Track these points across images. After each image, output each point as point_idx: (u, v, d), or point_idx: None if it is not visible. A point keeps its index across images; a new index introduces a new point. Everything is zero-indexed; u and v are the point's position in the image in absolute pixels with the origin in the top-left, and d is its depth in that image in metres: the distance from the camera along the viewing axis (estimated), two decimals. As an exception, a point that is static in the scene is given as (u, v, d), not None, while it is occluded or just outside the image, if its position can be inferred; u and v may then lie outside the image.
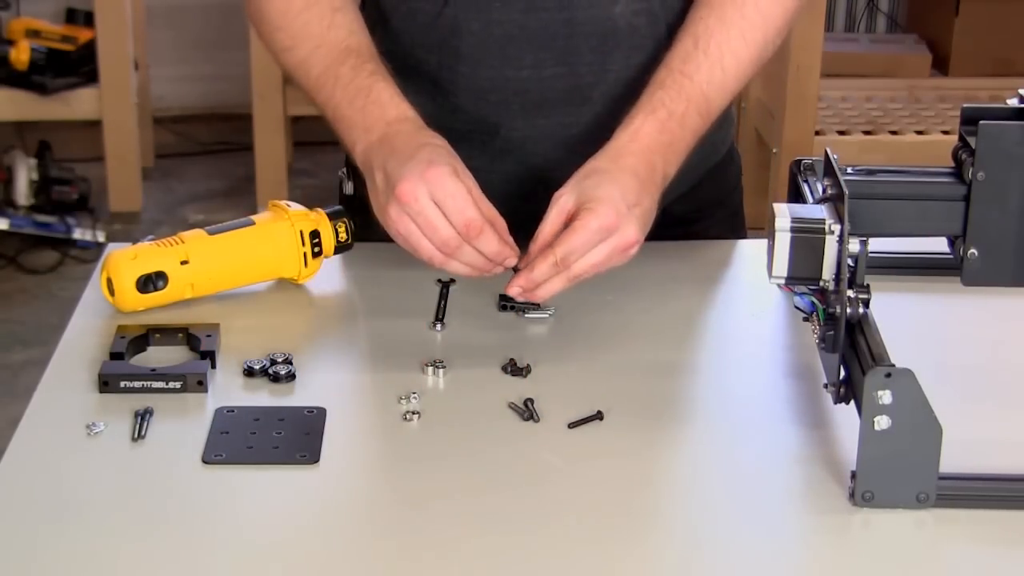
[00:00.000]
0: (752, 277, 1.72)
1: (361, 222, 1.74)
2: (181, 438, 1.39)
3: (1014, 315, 1.66)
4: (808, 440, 1.40)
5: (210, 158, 4.98)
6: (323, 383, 1.49)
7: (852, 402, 1.34)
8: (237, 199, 4.63)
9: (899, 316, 1.49)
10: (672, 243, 1.76)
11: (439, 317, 1.62)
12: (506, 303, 1.64)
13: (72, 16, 4.69)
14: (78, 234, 4.37)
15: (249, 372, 1.49)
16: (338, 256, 1.72)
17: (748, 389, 1.50)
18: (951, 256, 1.47)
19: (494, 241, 1.50)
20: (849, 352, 1.35)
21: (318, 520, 1.29)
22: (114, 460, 1.36)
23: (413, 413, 1.42)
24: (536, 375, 1.50)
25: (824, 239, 1.38)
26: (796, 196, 1.60)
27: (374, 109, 1.60)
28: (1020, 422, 1.46)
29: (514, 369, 1.51)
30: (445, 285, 1.69)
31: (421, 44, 1.73)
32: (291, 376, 1.48)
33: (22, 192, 4.45)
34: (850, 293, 1.35)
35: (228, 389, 1.48)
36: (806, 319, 1.47)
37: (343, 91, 1.62)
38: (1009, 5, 4.79)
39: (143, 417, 1.41)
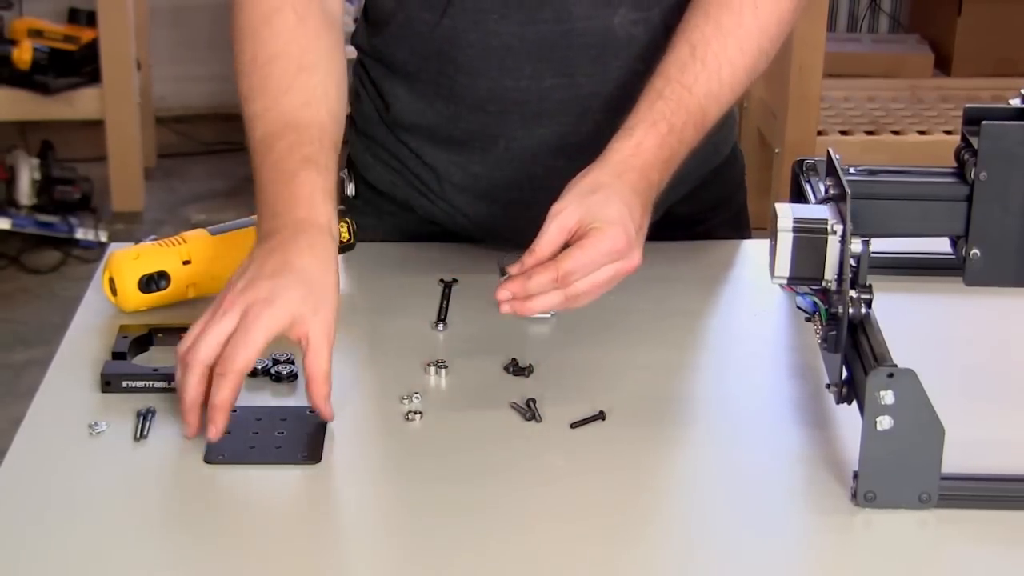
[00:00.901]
0: (754, 277, 1.72)
1: (363, 222, 1.74)
2: (183, 438, 1.39)
3: (1016, 315, 1.66)
4: (810, 440, 1.40)
5: (212, 158, 4.98)
6: (325, 383, 1.49)
7: (854, 402, 1.34)
8: (239, 199, 4.63)
9: (901, 316, 1.49)
10: (675, 243, 1.76)
11: (441, 317, 1.62)
12: (508, 303, 1.64)
13: (74, 16, 4.70)
14: (80, 234, 4.37)
15: (251, 372, 1.49)
16: (341, 256, 1.72)
17: (750, 389, 1.50)
18: (953, 256, 1.46)
19: (224, 393, 1.35)
20: (851, 352, 1.35)
21: (320, 520, 1.29)
22: (116, 460, 1.36)
23: (415, 413, 1.42)
24: (538, 375, 1.50)
25: (826, 239, 1.38)
26: (798, 196, 1.60)
27: (287, 200, 1.47)
28: (1022, 422, 1.46)
29: (516, 369, 1.51)
30: (447, 285, 1.69)
31: (419, 52, 1.72)
32: (293, 376, 1.48)
33: (24, 192, 4.46)
34: (852, 293, 1.35)
35: (230, 389, 1.48)
36: (808, 319, 1.47)
37: (270, 167, 1.50)
38: (1011, 5, 4.79)
39: (145, 417, 1.41)
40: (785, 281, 1.41)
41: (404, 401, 1.44)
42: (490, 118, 1.71)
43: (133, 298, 1.61)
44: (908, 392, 1.26)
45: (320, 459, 1.35)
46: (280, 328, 1.37)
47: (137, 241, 1.67)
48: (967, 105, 1.46)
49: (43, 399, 1.46)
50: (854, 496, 1.30)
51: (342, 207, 1.72)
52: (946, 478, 1.29)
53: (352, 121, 1.85)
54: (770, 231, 1.42)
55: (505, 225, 1.77)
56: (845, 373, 1.36)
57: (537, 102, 1.70)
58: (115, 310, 1.62)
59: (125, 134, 4.55)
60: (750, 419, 1.44)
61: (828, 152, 1.48)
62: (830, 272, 1.38)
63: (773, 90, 4.21)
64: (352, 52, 1.82)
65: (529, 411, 1.43)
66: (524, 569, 1.22)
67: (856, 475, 1.29)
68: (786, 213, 1.41)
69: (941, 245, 1.50)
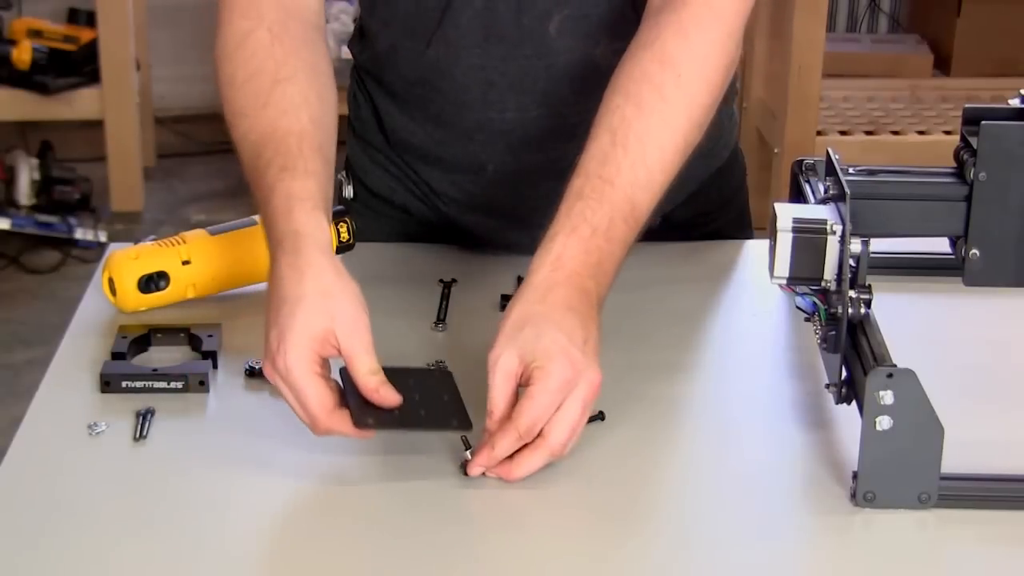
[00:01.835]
0: (753, 277, 1.72)
1: (362, 225, 1.74)
2: (183, 438, 1.39)
3: (1016, 315, 1.66)
4: (809, 440, 1.40)
5: (212, 158, 4.98)
6: (325, 383, 1.49)
7: (854, 402, 1.34)
8: (239, 199, 4.62)
9: (901, 316, 1.49)
10: (675, 244, 1.76)
11: (441, 317, 1.62)
12: (507, 303, 1.63)
13: (74, 16, 4.69)
14: (80, 234, 4.37)
15: (251, 372, 1.49)
16: (340, 256, 1.72)
17: (749, 389, 1.50)
18: (953, 256, 1.46)
19: (351, 431, 1.33)
20: (851, 352, 1.35)
21: (319, 519, 1.29)
22: (116, 460, 1.36)
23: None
24: (537, 375, 1.50)
25: (826, 239, 1.38)
26: (798, 196, 1.60)
27: (269, 219, 1.43)
28: (1022, 422, 1.46)
29: (516, 369, 1.51)
30: (447, 285, 1.69)
31: (406, 78, 1.72)
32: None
33: (24, 192, 4.45)
34: (852, 293, 1.35)
35: (230, 389, 1.48)
36: (808, 319, 1.47)
37: (257, 189, 1.47)
38: (1011, 5, 4.79)
39: (145, 417, 1.41)
40: (784, 281, 1.41)
41: (404, 401, 1.44)
42: (476, 145, 1.71)
43: (132, 298, 1.61)
44: (907, 392, 1.26)
45: (471, 426, 1.33)
46: (311, 356, 1.32)
47: (136, 241, 1.67)
48: (966, 105, 1.46)
49: (42, 399, 1.46)
50: (853, 496, 1.30)
51: (341, 207, 1.72)
52: (945, 478, 1.29)
53: (350, 125, 1.85)
54: (769, 231, 1.42)
55: (501, 235, 1.77)
56: (844, 373, 1.36)
57: (523, 132, 1.69)
58: (114, 310, 1.62)
59: (124, 134, 4.55)
60: (750, 419, 1.44)
61: (827, 152, 1.48)
62: (829, 272, 1.38)
63: (772, 90, 4.21)
64: (348, 54, 1.83)
65: (528, 411, 1.43)
66: (523, 569, 1.22)
67: (855, 475, 1.29)
68: (785, 213, 1.41)
69: (940, 245, 1.51)
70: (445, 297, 1.67)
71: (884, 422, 1.26)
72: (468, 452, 1.33)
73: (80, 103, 4.51)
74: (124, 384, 1.46)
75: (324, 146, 1.50)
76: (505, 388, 1.33)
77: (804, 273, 1.40)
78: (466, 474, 1.32)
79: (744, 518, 1.29)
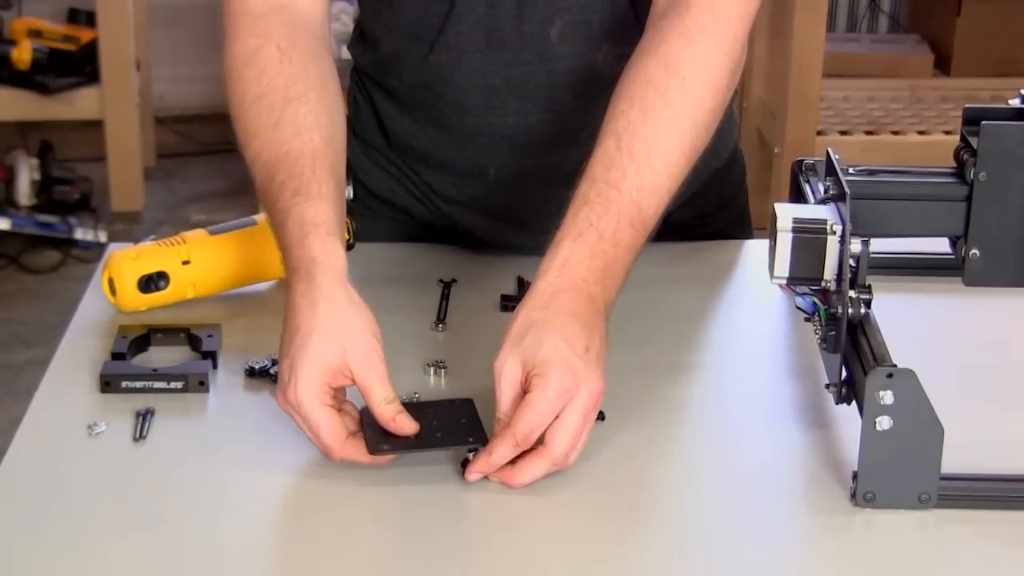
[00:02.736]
0: (753, 277, 1.72)
1: (362, 226, 1.74)
2: (183, 438, 1.39)
3: (1016, 315, 1.66)
4: (809, 440, 1.40)
5: (212, 158, 4.98)
6: (324, 383, 1.49)
7: (853, 402, 1.34)
8: (239, 199, 4.62)
9: (901, 316, 1.49)
10: (676, 244, 1.76)
11: (441, 317, 1.62)
12: (508, 303, 1.64)
13: (74, 16, 4.70)
14: (80, 234, 4.37)
15: (251, 372, 1.49)
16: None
17: (749, 389, 1.50)
18: (953, 256, 1.46)
19: (365, 459, 1.33)
20: (850, 352, 1.35)
21: (318, 520, 1.29)
22: (115, 460, 1.36)
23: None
24: (537, 375, 1.50)
25: (826, 239, 1.38)
26: (798, 196, 1.60)
27: (284, 246, 1.43)
28: (1022, 422, 1.46)
29: (516, 369, 1.51)
30: (447, 285, 1.69)
31: (408, 82, 1.72)
32: (293, 376, 1.48)
33: (24, 192, 4.45)
34: (852, 293, 1.35)
35: (230, 389, 1.48)
36: (807, 319, 1.47)
37: (271, 213, 1.47)
38: (1011, 5, 4.79)
39: (144, 417, 1.41)
40: (784, 281, 1.41)
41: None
42: (478, 149, 1.71)
43: (132, 298, 1.61)
44: (907, 392, 1.26)
45: (486, 440, 1.33)
46: (322, 388, 1.32)
47: (136, 241, 1.67)
48: (966, 105, 1.46)
49: (42, 399, 1.46)
50: (853, 496, 1.30)
51: (342, 207, 1.72)
52: (945, 478, 1.29)
53: (350, 125, 1.85)
54: (769, 231, 1.42)
55: (502, 236, 1.77)
56: (844, 373, 1.36)
57: (525, 136, 1.69)
58: (114, 310, 1.62)
59: (124, 134, 4.55)
60: (749, 419, 1.44)
61: (828, 152, 1.47)
62: (829, 272, 1.38)
63: (773, 90, 4.21)
64: (348, 54, 1.83)
65: (528, 411, 1.43)
66: (522, 570, 1.22)
67: (855, 475, 1.29)
68: (785, 213, 1.40)
69: (940, 245, 1.50)
70: (445, 297, 1.67)
71: (884, 422, 1.26)
72: (470, 453, 1.33)
73: (80, 103, 4.51)
74: (124, 384, 1.46)
75: (336, 165, 1.50)
76: (511, 395, 1.33)
77: (804, 273, 1.40)
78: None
79: (744, 518, 1.29)
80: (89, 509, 1.28)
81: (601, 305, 1.38)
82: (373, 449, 1.32)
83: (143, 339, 1.56)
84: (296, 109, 1.51)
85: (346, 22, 4.39)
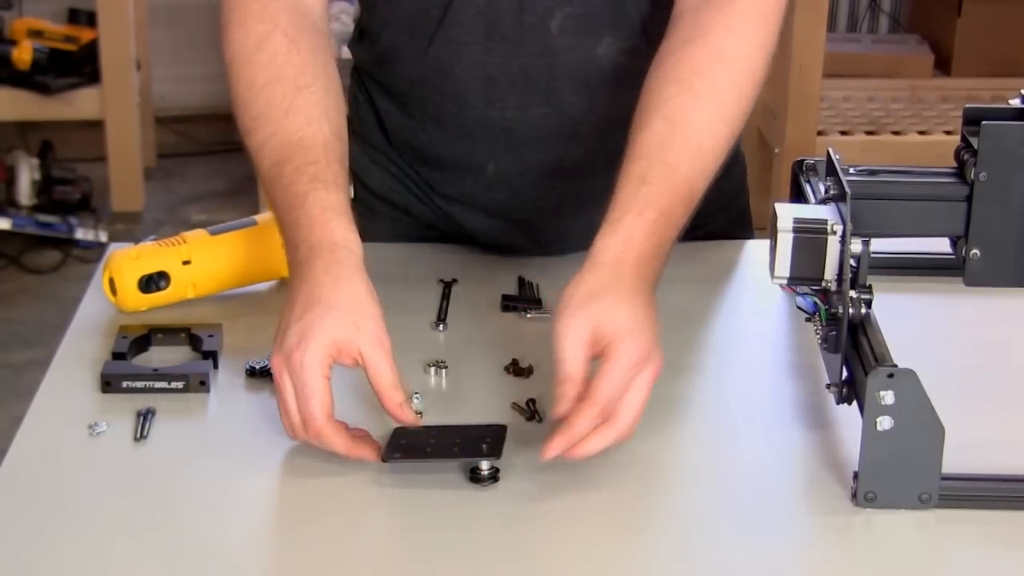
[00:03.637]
0: (754, 277, 1.72)
1: (362, 226, 1.74)
2: (184, 438, 1.39)
3: (1016, 315, 1.66)
4: (810, 440, 1.40)
5: (212, 158, 4.98)
6: (325, 383, 1.49)
7: (854, 402, 1.34)
8: (239, 199, 4.62)
9: (901, 316, 1.49)
10: (675, 244, 1.76)
11: (441, 317, 1.62)
12: (508, 303, 1.64)
13: (74, 16, 4.70)
14: (80, 234, 4.37)
15: (251, 372, 1.49)
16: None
17: (750, 389, 1.50)
18: (953, 256, 1.46)
19: (336, 443, 1.34)
20: (851, 352, 1.35)
21: (319, 521, 1.29)
22: (116, 460, 1.36)
23: (416, 413, 1.42)
24: (539, 375, 1.50)
25: (826, 239, 1.38)
26: (798, 196, 1.60)
27: (302, 225, 1.45)
28: (1022, 422, 1.46)
29: (517, 369, 1.51)
30: (447, 285, 1.69)
31: (407, 77, 1.72)
32: (294, 376, 1.48)
33: (24, 192, 4.46)
34: (852, 293, 1.35)
35: (231, 389, 1.48)
36: (808, 319, 1.47)
37: (283, 195, 1.48)
38: (1012, 5, 4.79)
39: (145, 417, 1.41)
40: (785, 281, 1.41)
41: (404, 401, 1.44)
42: (478, 144, 1.71)
43: (133, 298, 1.61)
44: (908, 392, 1.26)
45: (501, 454, 1.33)
46: (327, 360, 1.34)
47: (137, 241, 1.67)
48: (967, 105, 1.46)
49: (43, 399, 1.46)
50: (854, 496, 1.30)
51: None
52: (946, 478, 1.29)
53: (350, 125, 1.85)
54: (770, 231, 1.42)
55: (502, 237, 1.77)
56: (845, 373, 1.36)
57: (524, 130, 1.69)
58: (115, 310, 1.62)
59: (125, 134, 4.56)
60: (750, 419, 1.44)
61: (828, 152, 1.47)
62: (830, 272, 1.38)
63: (773, 90, 4.20)
64: (349, 54, 1.83)
65: (530, 411, 1.43)
66: (525, 569, 1.22)
67: (856, 475, 1.29)
68: (786, 213, 1.40)
69: (941, 245, 1.50)
70: (446, 297, 1.67)
71: (885, 422, 1.26)
72: (483, 460, 1.32)
73: (80, 103, 4.51)
74: (125, 384, 1.46)
75: (343, 159, 1.52)
76: (579, 354, 1.34)
77: (805, 273, 1.40)
78: (480, 483, 1.32)
79: (744, 518, 1.29)
80: (90, 509, 1.28)
81: (653, 284, 1.42)
82: (386, 457, 1.33)
83: (144, 339, 1.56)
84: (307, 98, 1.52)
85: (346, 22, 4.39)
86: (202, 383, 1.47)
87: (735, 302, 1.74)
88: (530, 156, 1.70)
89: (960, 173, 1.44)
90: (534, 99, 1.67)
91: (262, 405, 1.45)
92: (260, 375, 1.49)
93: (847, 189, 1.38)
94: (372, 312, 1.38)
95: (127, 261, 1.61)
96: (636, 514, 1.31)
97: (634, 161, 1.45)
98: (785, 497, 1.33)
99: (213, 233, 1.66)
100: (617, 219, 1.42)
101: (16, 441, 1.38)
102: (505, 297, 1.65)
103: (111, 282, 1.62)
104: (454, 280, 1.70)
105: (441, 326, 1.61)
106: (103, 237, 4.36)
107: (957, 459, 1.29)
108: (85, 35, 4.58)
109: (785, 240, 1.39)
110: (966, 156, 1.43)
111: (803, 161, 1.62)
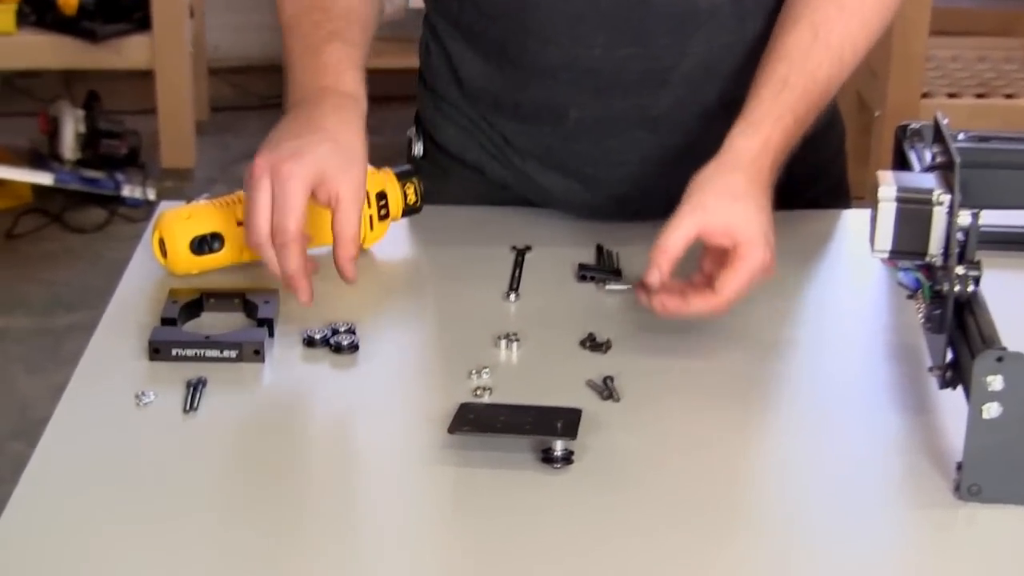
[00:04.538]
0: (852, 250, 1.72)
1: (431, 185, 1.74)
2: (236, 411, 1.40)
3: None
4: (910, 428, 1.39)
5: (268, 112, 5.00)
6: (387, 356, 1.50)
7: (959, 388, 1.34)
8: (297, 157, 4.64)
9: (1012, 295, 1.48)
10: (767, 212, 1.76)
11: (513, 287, 1.63)
12: (585, 273, 1.64)
13: (124, -42, 4.72)
14: (127, 191, 4.40)
15: (309, 342, 1.50)
16: (406, 219, 1.72)
17: (846, 371, 1.49)
18: (1071, 231, 1.45)
19: (292, 262, 1.49)
20: (957, 333, 1.34)
21: (379, 499, 1.29)
22: (164, 433, 1.37)
23: (484, 389, 1.42)
24: (616, 351, 1.50)
25: (932, 210, 1.37)
26: (901, 164, 1.59)
27: (313, 71, 1.61)
28: None
29: (593, 344, 1.51)
30: (520, 252, 1.69)
31: (487, 14, 1.72)
32: (354, 347, 1.49)
33: (68, 145, 4.48)
34: (959, 269, 1.34)
35: (287, 360, 1.49)
36: (910, 296, 1.46)
37: (299, 43, 1.64)
38: None
39: (196, 388, 1.42)
40: (886, 255, 1.41)
41: (473, 376, 1.44)
42: (560, 87, 1.71)
43: (184, 260, 1.62)
44: (1019, 378, 1.25)
45: (576, 435, 1.34)
46: (311, 180, 1.48)
47: (188, 200, 1.68)
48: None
49: (87, 367, 1.47)
50: (957, 489, 1.29)
51: (409, 167, 1.73)
52: (1058, 472, 1.28)
53: (420, 77, 1.86)
54: (870, 201, 1.41)
55: (581, 197, 1.76)
56: (950, 356, 1.35)
57: (611, 73, 1.69)
58: (164, 273, 1.63)
59: (176, 85, 4.58)
60: (845, 403, 1.43)
61: (935, 116, 1.47)
62: (935, 246, 1.38)
63: (874, 48, 4.17)
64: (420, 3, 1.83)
65: (606, 389, 1.43)
66: (598, 565, 1.22)
67: (960, 466, 1.29)
68: (888, 182, 1.40)
69: (1057, 219, 1.49)
70: (519, 264, 1.67)
71: (992, 409, 1.26)
72: (556, 441, 1.32)
73: (129, 51, 4.54)
74: (174, 352, 1.47)
75: (366, 26, 1.68)
76: (688, 236, 1.47)
77: (908, 247, 1.39)
78: (552, 463, 1.32)
79: (837, 511, 1.28)
80: (135, 483, 1.29)
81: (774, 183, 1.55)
82: (453, 429, 1.33)
83: (195, 304, 1.57)
84: None
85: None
86: (256, 352, 1.48)
87: (831, 276, 1.73)
88: (615, 102, 1.70)
89: (1080, 140, 1.43)
90: (623, 38, 1.67)
91: (320, 377, 1.46)
92: (319, 345, 1.49)
93: (956, 157, 1.37)
94: (362, 164, 1.53)
95: (179, 221, 1.62)
96: (720, 505, 1.30)
97: (778, 62, 1.58)
98: (883, 489, 1.33)
99: (270, 192, 1.66)
100: (758, 120, 1.54)
101: (58, 411, 1.39)
102: (582, 266, 1.65)
103: (161, 243, 1.62)
104: (528, 247, 1.70)
105: (513, 296, 1.61)
106: (151, 195, 4.39)
107: (1070, 451, 1.28)
108: (135, -21, 4.61)
109: (887, 211, 1.39)
110: (1087, 122, 1.42)
111: (907, 126, 1.61)
